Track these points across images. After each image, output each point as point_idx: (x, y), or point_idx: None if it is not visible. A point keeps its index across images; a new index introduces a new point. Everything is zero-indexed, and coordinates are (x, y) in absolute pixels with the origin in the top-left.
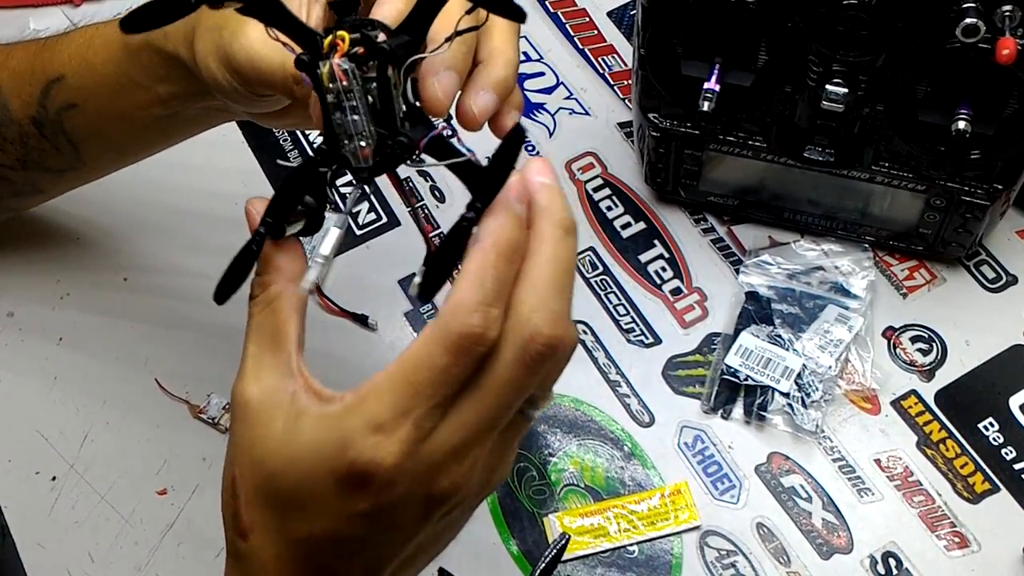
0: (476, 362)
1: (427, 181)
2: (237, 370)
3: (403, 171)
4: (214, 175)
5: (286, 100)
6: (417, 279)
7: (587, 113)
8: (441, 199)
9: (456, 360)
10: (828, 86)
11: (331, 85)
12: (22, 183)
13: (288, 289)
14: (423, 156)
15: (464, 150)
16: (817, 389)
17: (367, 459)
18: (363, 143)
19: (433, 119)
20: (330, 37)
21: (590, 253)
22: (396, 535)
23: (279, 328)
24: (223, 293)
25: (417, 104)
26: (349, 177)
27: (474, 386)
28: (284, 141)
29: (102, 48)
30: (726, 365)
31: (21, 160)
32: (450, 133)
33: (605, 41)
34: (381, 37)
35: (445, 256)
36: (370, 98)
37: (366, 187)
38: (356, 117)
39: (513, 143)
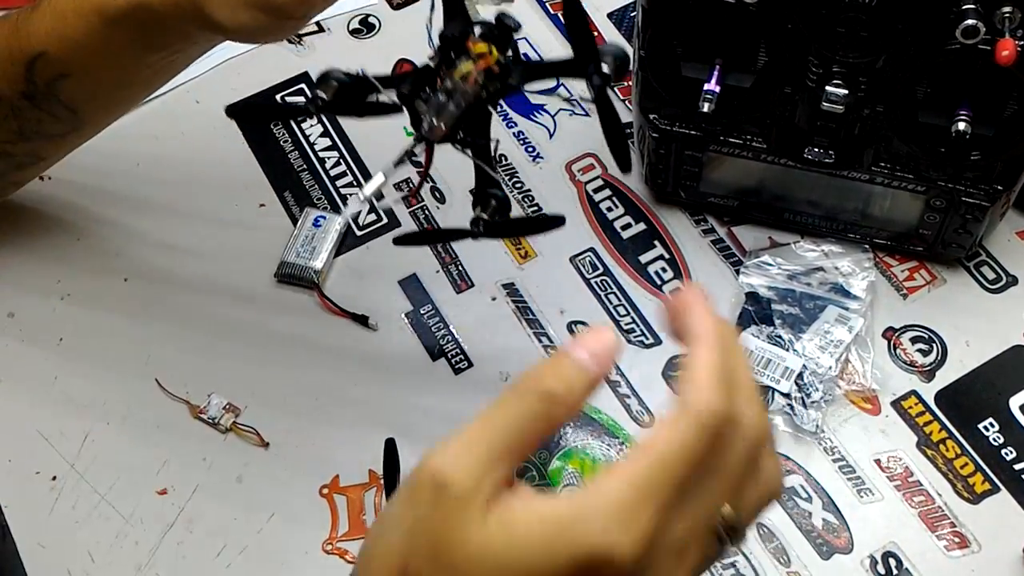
0: (718, 444)
1: (428, 182)
2: (439, 442)
3: (404, 172)
4: (214, 175)
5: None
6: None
7: (587, 114)
8: (441, 200)
9: (707, 440)
10: (828, 87)
11: (456, 79)
12: (23, 155)
13: (564, 405)
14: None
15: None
16: (817, 389)
17: (610, 543)
18: (442, 124)
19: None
20: (479, 45)
21: (590, 254)
22: None
23: (529, 434)
24: None
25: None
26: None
27: (705, 474)
28: (285, 143)
29: (78, 20)
30: None
31: (18, 132)
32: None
33: (605, 42)
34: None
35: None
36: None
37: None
38: (452, 108)
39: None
